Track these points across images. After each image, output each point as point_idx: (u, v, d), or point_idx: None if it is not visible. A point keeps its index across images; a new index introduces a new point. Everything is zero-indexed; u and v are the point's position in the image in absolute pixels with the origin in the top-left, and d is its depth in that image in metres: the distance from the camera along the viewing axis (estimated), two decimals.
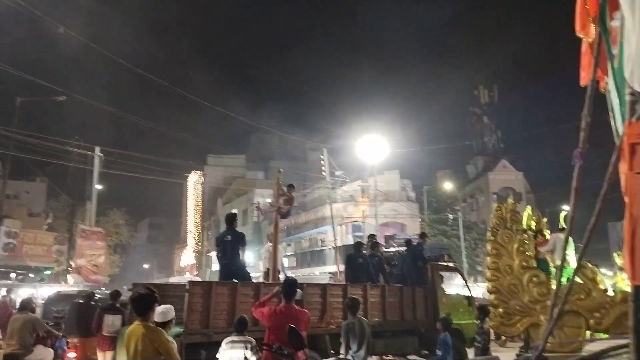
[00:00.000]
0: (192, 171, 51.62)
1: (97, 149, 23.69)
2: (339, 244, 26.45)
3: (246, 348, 5.56)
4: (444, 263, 12.52)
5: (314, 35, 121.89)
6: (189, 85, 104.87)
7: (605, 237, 39.03)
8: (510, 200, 9.84)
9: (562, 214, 9.94)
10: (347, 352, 6.51)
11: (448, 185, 42.22)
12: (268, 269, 10.15)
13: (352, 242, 31.82)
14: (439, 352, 7.71)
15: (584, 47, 4.96)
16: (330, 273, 26.30)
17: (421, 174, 45.40)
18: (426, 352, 10.15)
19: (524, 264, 8.87)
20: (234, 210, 45.59)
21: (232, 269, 8.38)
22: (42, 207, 38.91)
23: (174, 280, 35.82)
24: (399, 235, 29.19)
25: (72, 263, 24.04)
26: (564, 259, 5.31)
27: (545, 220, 10.41)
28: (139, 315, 4.04)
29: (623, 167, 4.05)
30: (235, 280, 7.96)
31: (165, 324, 4.96)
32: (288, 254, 35.16)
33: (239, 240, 8.55)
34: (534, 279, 8.66)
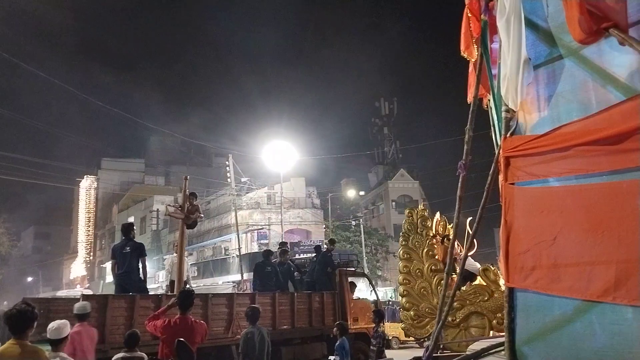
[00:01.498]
0: (84, 175, 48.19)
1: None
2: (243, 252, 26.07)
3: None
4: (352, 269, 12.78)
5: (219, 40, 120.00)
6: (82, 83, 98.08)
7: (493, 242, 42.36)
8: (421, 206, 10.13)
9: (468, 220, 10.48)
10: None
11: (351, 193, 43.51)
12: (173, 281, 9.73)
13: (257, 250, 31.71)
14: (336, 357, 7.80)
15: (471, 67, 5.35)
16: (233, 282, 25.81)
17: (326, 181, 46.39)
18: (333, 357, 10.29)
19: (433, 267, 9.23)
20: (130, 219, 43.31)
21: (130, 281, 8.08)
22: None
23: (62, 293, 33.09)
24: (304, 242, 29.55)
25: None
26: (450, 266, 5.65)
27: (451, 226, 10.85)
28: (14, 334, 3.57)
29: (500, 178, 4.41)
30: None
31: (59, 342, 4.52)
32: (190, 263, 33.98)
33: (138, 252, 8.28)
34: (442, 282, 9.03)
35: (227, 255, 31.27)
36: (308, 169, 38.89)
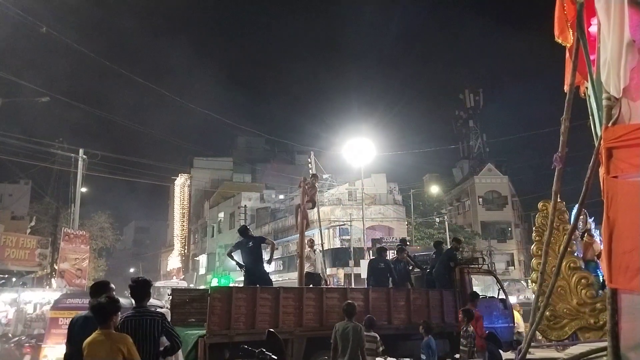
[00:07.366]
0: (179, 174, 51.26)
1: (81, 151, 23.38)
2: (326, 247, 26.37)
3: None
4: (476, 266, 12.41)
5: (301, 40, 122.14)
6: (176, 88, 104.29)
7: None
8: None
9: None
10: (335, 355, 6.46)
11: (434, 189, 42.42)
12: (307, 272, 10.68)
13: (339, 246, 31.85)
14: (423, 357, 7.67)
15: (567, 53, 5.01)
16: None
17: (408, 177, 45.65)
18: (458, 355, 10.06)
19: (572, 265, 8.47)
20: (221, 215, 45.35)
21: (255, 275, 8.89)
22: (26, 210, 38.32)
23: (160, 284, 35.51)
24: (386, 238, 29.27)
25: (55, 267, 23.64)
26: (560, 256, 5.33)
27: (591, 220, 10.08)
28: (100, 324, 3.99)
29: (601, 171, 4.10)
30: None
31: None
32: (275, 257, 34.96)
33: (259, 241, 9.30)
34: (583, 280, 8.34)
35: None
36: (389, 165, 38.55)
